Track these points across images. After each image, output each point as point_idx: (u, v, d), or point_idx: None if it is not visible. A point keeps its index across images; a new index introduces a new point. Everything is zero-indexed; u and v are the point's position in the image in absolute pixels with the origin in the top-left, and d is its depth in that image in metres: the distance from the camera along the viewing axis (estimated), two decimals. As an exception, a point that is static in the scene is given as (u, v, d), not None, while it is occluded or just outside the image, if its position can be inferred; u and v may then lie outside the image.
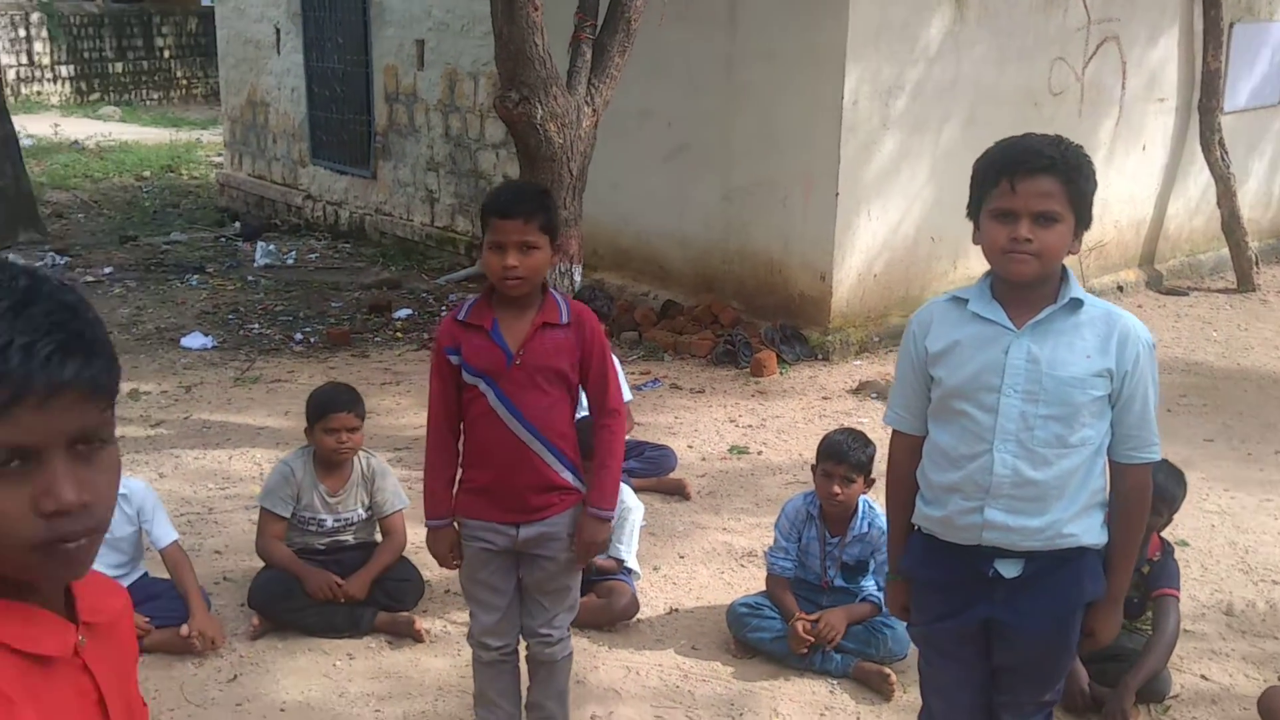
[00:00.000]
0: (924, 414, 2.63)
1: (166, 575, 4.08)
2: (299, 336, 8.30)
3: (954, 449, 2.54)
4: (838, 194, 7.32)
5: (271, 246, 11.27)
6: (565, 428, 3.11)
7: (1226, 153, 9.42)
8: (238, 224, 12.71)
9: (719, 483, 5.63)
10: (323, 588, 4.09)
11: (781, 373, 7.30)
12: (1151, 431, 2.54)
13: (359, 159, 11.84)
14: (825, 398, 6.88)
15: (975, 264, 7.93)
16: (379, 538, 4.36)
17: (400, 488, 4.40)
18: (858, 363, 7.50)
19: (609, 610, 4.20)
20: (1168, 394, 6.31)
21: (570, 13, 5.93)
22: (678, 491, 5.43)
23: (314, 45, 12.14)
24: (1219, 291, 9.59)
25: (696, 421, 6.47)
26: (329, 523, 4.25)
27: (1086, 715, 3.68)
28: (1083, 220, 2.45)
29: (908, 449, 2.68)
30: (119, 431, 1.24)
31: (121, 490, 1.37)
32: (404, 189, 11.29)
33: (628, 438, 5.21)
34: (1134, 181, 9.22)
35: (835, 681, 3.89)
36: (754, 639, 4.02)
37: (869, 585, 4.05)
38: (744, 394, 6.97)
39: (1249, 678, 3.95)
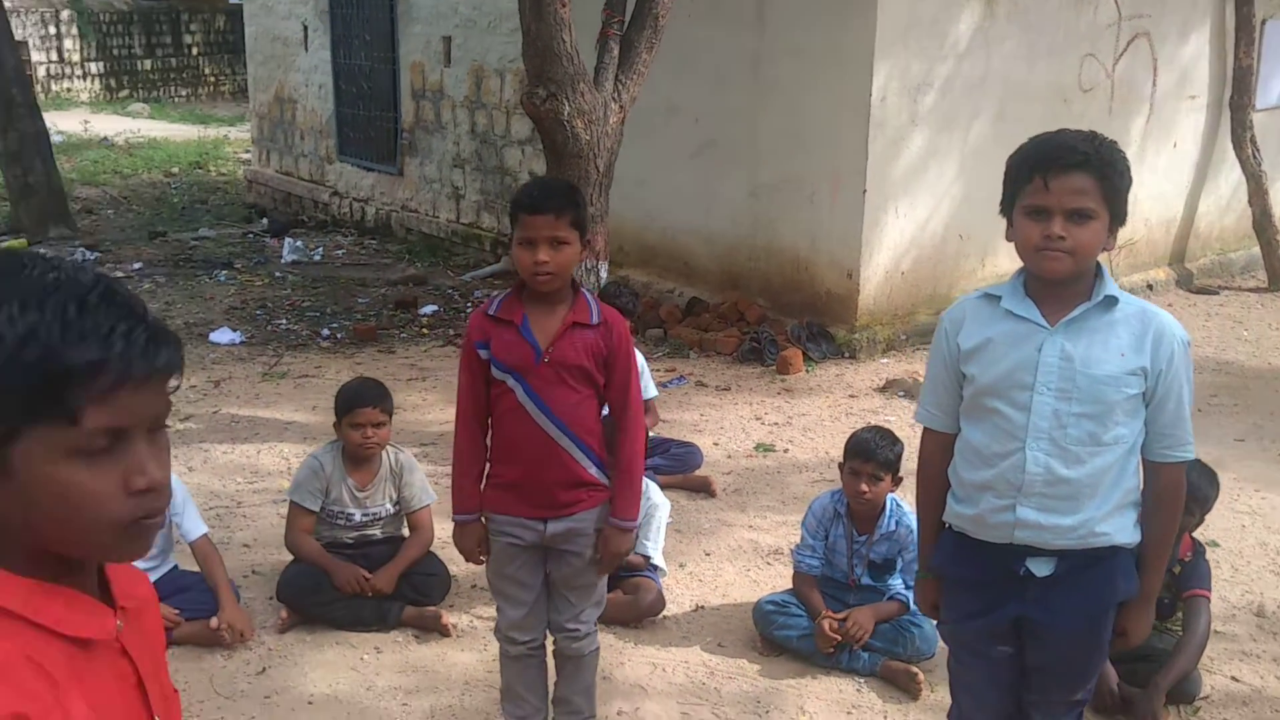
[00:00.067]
0: (955, 412, 2.62)
1: (196, 568, 4.11)
2: (326, 332, 8.34)
3: (986, 447, 2.53)
4: (865, 191, 7.30)
5: (299, 243, 11.34)
6: (593, 424, 3.11)
7: (1258, 150, 9.33)
8: (265, 220, 12.78)
9: (745, 480, 5.62)
10: (350, 581, 4.11)
11: (808, 370, 7.28)
12: (1186, 430, 2.52)
13: (385, 155, 11.88)
14: (852, 396, 6.86)
15: (1004, 262, 7.89)
16: (406, 532, 4.38)
17: (427, 483, 4.41)
18: (885, 361, 7.47)
19: (635, 607, 4.20)
20: (1198, 394, 6.24)
21: (598, 9, 5.93)
22: (703, 489, 5.43)
23: (341, 42, 12.20)
24: (1250, 290, 9.51)
25: (722, 419, 6.46)
26: (357, 517, 4.27)
27: (1116, 715, 3.65)
28: (1117, 216, 2.43)
29: (939, 447, 2.67)
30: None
31: None
32: (430, 185, 11.33)
33: (652, 434, 5.24)
34: (1164, 179, 9.14)
35: (862, 680, 3.88)
36: (780, 637, 4.01)
37: (896, 584, 4.04)
38: (770, 391, 6.96)
39: (1280, 680, 3.91)
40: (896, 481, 3.98)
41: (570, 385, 3.03)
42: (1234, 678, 3.92)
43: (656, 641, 4.12)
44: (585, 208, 3.18)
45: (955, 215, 7.80)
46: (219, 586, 4.02)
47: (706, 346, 7.73)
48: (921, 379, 6.62)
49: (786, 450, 6.03)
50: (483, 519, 3.19)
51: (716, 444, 6.06)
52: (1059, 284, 2.45)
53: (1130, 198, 2.47)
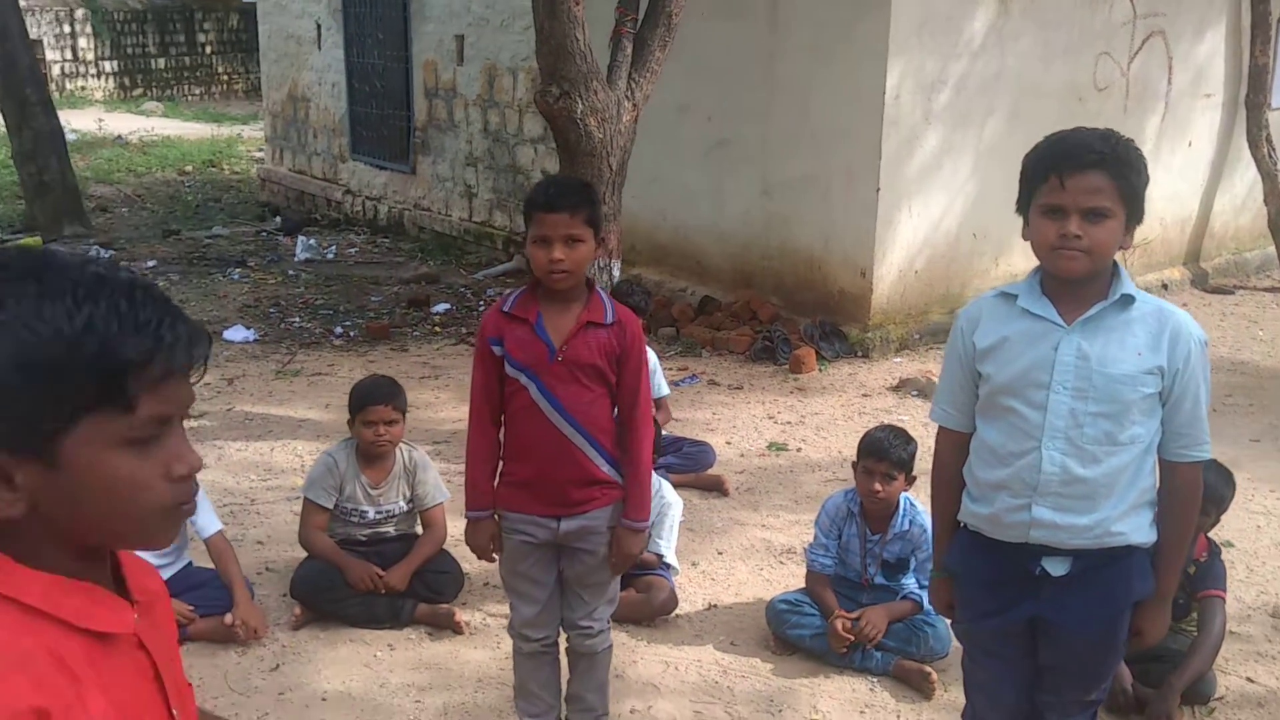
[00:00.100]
0: (971, 410, 2.61)
1: (211, 565, 4.12)
2: (339, 330, 8.36)
3: (1002, 446, 2.52)
4: (879, 189, 7.28)
5: (312, 241, 11.36)
6: (607, 422, 3.10)
7: (1274, 149, 9.29)
8: (278, 219, 12.81)
9: (758, 479, 5.61)
10: (364, 578, 4.12)
11: (821, 370, 7.27)
12: (1202, 429, 2.51)
13: (398, 154, 11.90)
14: (865, 395, 6.85)
15: (1018, 261, 7.87)
16: (419, 530, 4.39)
17: (441, 481, 4.41)
18: (898, 360, 7.46)
19: (648, 605, 4.20)
20: (1213, 394, 6.22)
21: (611, 7, 5.94)
22: (716, 488, 5.42)
23: (354, 41, 12.22)
24: (1265, 290, 9.46)
25: (735, 418, 6.45)
26: (371, 514, 4.28)
27: (1130, 716, 3.64)
28: (1134, 215, 2.42)
29: (954, 446, 2.66)
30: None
31: None
32: (442, 184, 11.34)
33: (665, 433, 5.24)
34: (1179, 178, 9.11)
35: (875, 679, 3.87)
36: (793, 636, 4.01)
37: (909, 583, 4.03)
38: (783, 390, 6.95)
39: (1296, 681, 3.89)
40: (910, 481, 3.97)
41: (584, 384, 3.02)
42: (1249, 678, 3.90)
43: (669, 640, 4.12)
44: (600, 205, 3.19)
45: (969, 214, 7.78)
46: (233, 583, 4.03)
47: (719, 345, 7.72)
48: (935, 378, 6.65)
49: (799, 449, 6.02)
50: (495, 516, 3.19)
51: (729, 443, 6.06)
52: (1076, 283, 2.44)
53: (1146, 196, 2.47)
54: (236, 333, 8.10)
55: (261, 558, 4.68)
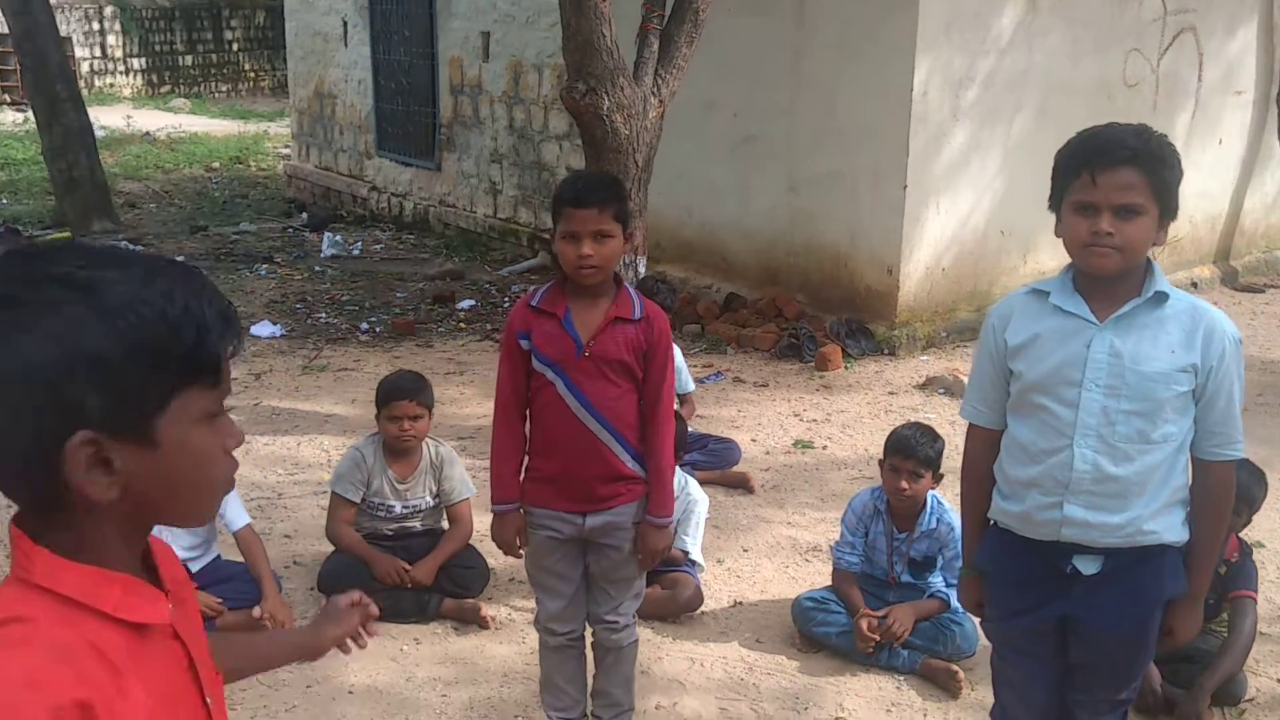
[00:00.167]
0: (1002, 408, 2.60)
1: (239, 558, 4.15)
2: (365, 326, 8.39)
3: (1033, 444, 2.51)
4: (906, 186, 7.25)
5: (338, 237, 11.41)
6: (633, 418, 3.10)
7: (1306, 147, 9.20)
8: (305, 215, 12.88)
9: (783, 477, 5.60)
10: (391, 573, 4.14)
11: (847, 367, 7.25)
12: (1236, 428, 2.49)
13: (424, 151, 11.93)
14: (891, 393, 6.82)
15: (1046, 258, 7.83)
16: (445, 525, 4.40)
17: (467, 476, 4.43)
18: (925, 358, 7.43)
19: (673, 602, 4.20)
20: (1244, 393, 6.17)
21: (637, 3, 5.93)
22: (741, 485, 5.41)
23: (381, 38, 12.26)
24: (1296, 289, 9.38)
25: (760, 415, 6.44)
26: (397, 509, 4.29)
27: (1159, 716, 3.61)
28: (1167, 211, 2.40)
29: (985, 443, 2.65)
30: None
31: None
32: (468, 181, 11.36)
33: (691, 430, 5.23)
34: (1210, 176, 9.03)
35: (902, 678, 3.86)
36: (819, 633, 4.00)
37: (937, 581, 4.01)
38: (808, 388, 6.93)
39: (1329, 683, 3.85)
40: (937, 479, 3.95)
41: (611, 379, 3.02)
42: (1280, 680, 3.87)
43: (695, 637, 4.12)
44: (628, 201, 3.18)
45: (997, 211, 7.73)
46: (262, 577, 4.06)
47: (744, 343, 7.71)
48: (962, 376, 6.62)
49: (825, 447, 6.00)
50: (521, 510, 3.19)
51: (754, 440, 6.05)
52: (1108, 280, 2.42)
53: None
54: (263, 328, 8.14)
55: (289, 551, 4.70)
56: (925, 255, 7.51)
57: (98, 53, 25.97)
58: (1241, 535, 3.75)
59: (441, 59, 11.34)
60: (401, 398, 4.20)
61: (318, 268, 10.37)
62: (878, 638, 3.83)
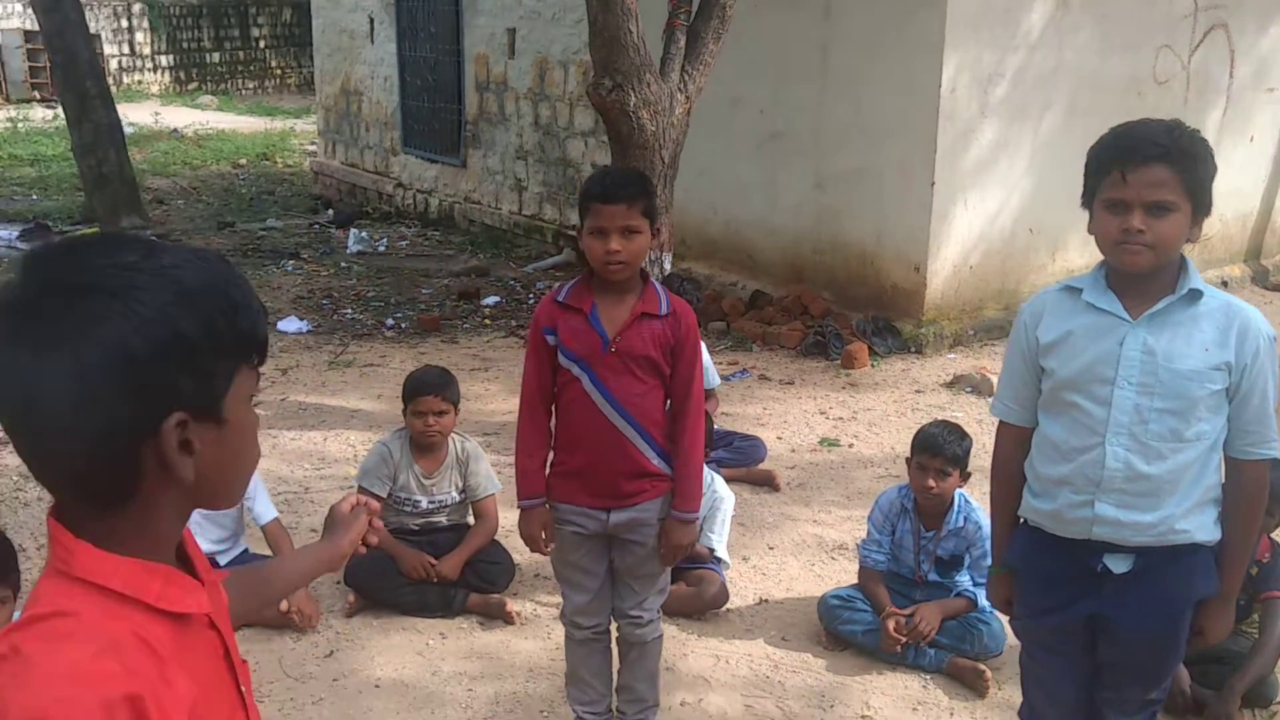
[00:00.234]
0: (1033, 405, 2.58)
1: (266, 551, 4.17)
2: (390, 322, 8.42)
3: (1065, 441, 2.49)
4: (933, 184, 7.21)
5: (363, 233, 11.46)
6: (658, 415, 3.09)
7: (1339, 144, 9.09)
8: (331, 211, 12.95)
9: (809, 474, 5.58)
10: (417, 567, 4.15)
11: (873, 365, 7.22)
12: (1270, 427, 2.46)
13: (449, 147, 11.96)
14: (918, 391, 6.79)
15: (1074, 256, 7.78)
16: (471, 521, 4.41)
17: (493, 472, 4.43)
18: (952, 356, 7.39)
19: (699, 599, 4.19)
20: (1275, 392, 6.12)
21: (664, 0, 5.91)
22: (767, 482, 5.40)
23: (407, 34, 12.30)
24: (1328, 288, 9.28)
25: (786, 413, 6.43)
26: (423, 504, 4.31)
27: (1188, 717, 3.58)
28: (1200, 208, 2.37)
29: (1016, 441, 2.63)
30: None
31: None
32: (493, 177, 11.39)
33: (717, 427, 5.22)
34: (1241, 173, 8.94)
35: (928, 676, 3.84)
36: (845, 631, 3.98)
37: (964, 580, 3.99)
38: (834, 386, 6.91)
39: (1362, 686, 3.80)
40: (965, 477, 3.93)
41: (637, 375, 3.01)
42: (1312, 683, 3.82)
43: (720, 634, 4.11)
44: (655, 197, 3.17)
45: (1025, 209, 7.68)
46: (289, 570, 4.07)
47: (770, 340, 7.69)
48: (990, 374, 6.59)
49: (851, 445, 5.98)
50: (547, 505, 3.19)
51: (780, 438, 6.03)
52: (1141, 277, 2.40)
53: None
54: (290, 324, 8.19)
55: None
56: (953, 253, 7.47)
57: (126, 50, 26.18)
58: (1274, 536, 3.71)
59: (467, 56, 11.37)
60: (427, 393, 4.21)
61: (344, 264, 10.42)
62: (905, 638, 3.82)
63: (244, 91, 27.69)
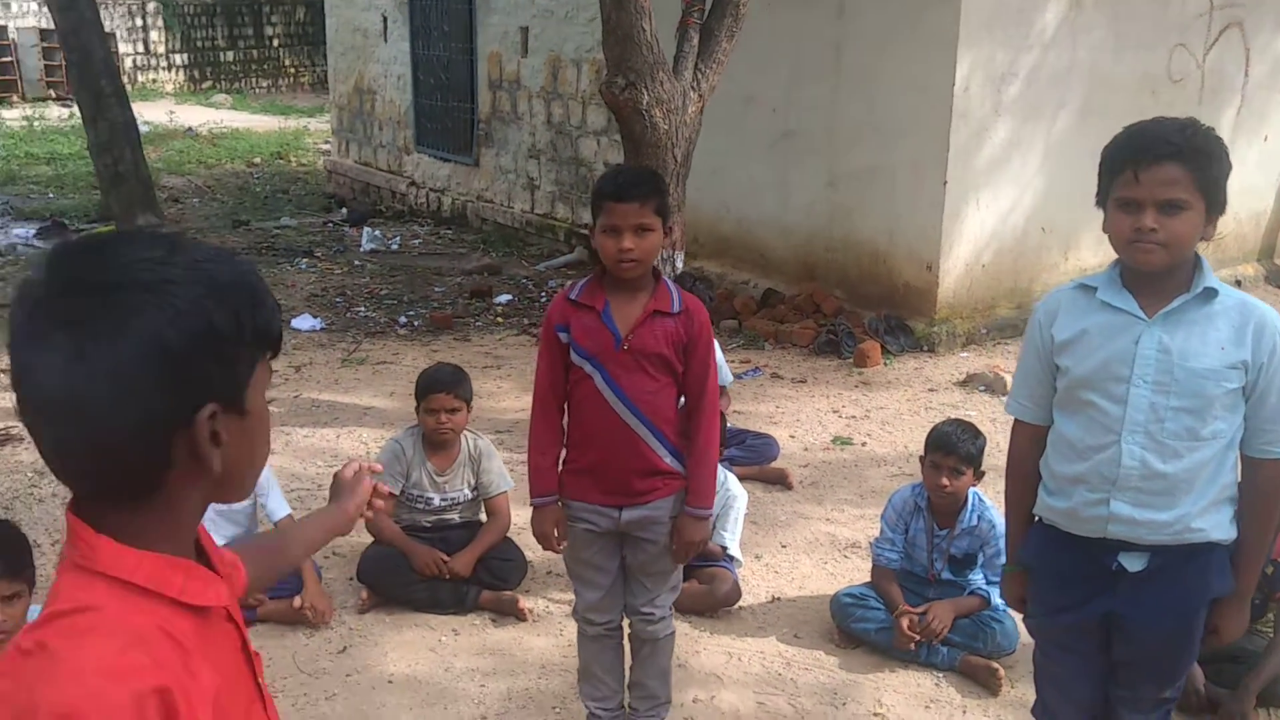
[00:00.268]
0: (1048, 404, 2.58)
1: (280, 548, 4.18)
2: (403, 320, 8.44)
3: (1080, 440, 2.48)
4: (946, 182, 7.20)
5: (377, 232, 11.49)
6: (671, 413, 3.09)
7: (1355, 143, 9.04)
8: (344, 210, 12.98)
9: (821, 473, 5.58)
10: (429, 564, 4.16)
11: (886, 364, 7.21)
12: (1286, 426, 2.45)
13: (462, 146, 11.98)
14: (931, 389, 6.78)
15: (1087, 255, 7.76)
16: (484, 518, 4.42)
17: (505, 469, 4.44)
18: (964, 355, 7.38)
19: (711, 596, 4.20)
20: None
21: (678, -2, 5.92)
22: (780, 481, 5.40)
23: (420, 33, 12.32)
24: (1343, 287, 9.23)
25: (798, 411, 6.42)
26: (436, 501, 4.32)
27: (1203, 716, 3.57)
28: (1215, 205, 2.37)
29: (1031, 439, 2.63)
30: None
31: None
32: (505, 176, 11.40)
33: (729, 425, 5.22)
34: (1255, 172, 8.90)
35: (941, 674, 3.84)
36: (858, 629, 3.98)
37: (977, 579, 3.98)
38: (847, 384, 6.90)
39: (1377, 687, 3.79)
40: (979, 476, 3.92)
41: (649, 373, 3.02)
42: (1327, 683, 3.80)
43: (732, 631, 4.11)
44: (668, 195, 3.17)
45: (1038, 207, 7.66)
46: (302, 567, 4.09)
47: (782, 338, 7.69)
48: (1002, 373, 6.58)
49: (864, 444, 5.98)
50: (560, 503, 3.19)
51: (793, 436, 6.03)
52: (1156, 275, 2.40)
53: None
54: (304, 321, 8.21)
55: (329, 542, 4.73)
56: (965, 251, 7.46)
57: (141, 48, 26.28)
58: (1289, 535, 3.70)
59: (480, 54, 11.38)
60: (439, 390, 4.22)
61: (357, 262, 10.45)
62: (918, 636, 3.81)
63: (258, 90, 27.77)
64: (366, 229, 11.60)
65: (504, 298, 9.06)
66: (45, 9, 17.32)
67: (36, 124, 20.04)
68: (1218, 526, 2.47)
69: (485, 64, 11.35)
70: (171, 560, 1.18)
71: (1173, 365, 2.38)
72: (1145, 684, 2.64)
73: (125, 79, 16.66)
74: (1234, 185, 2.42)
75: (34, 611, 2.90)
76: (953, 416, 4.60)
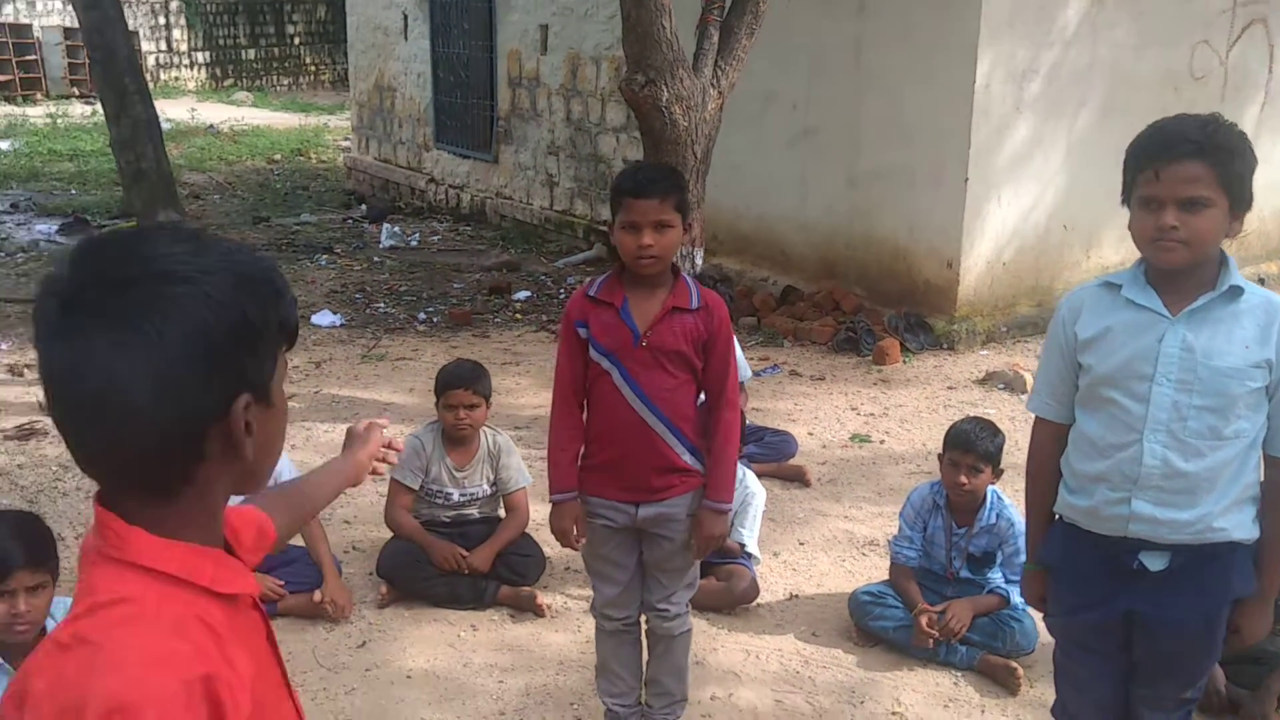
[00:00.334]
0: (1070, 401, 2.56)
1: (300, 543, 4.20)
2: (422, 316, 8.47)
3: (1102, 438, 2.47)
4: (967, 180, 7.17)
5: (396, 228, 11.52)
6: (689, 410, 3.09)
7: (1380, 141, 8.95)
8: (364, 206, 13.02)
9: (840, 470, 5.57)
10: (448, 558, 4.17)
11: (905, 361, 7.19)
12: (1311, 426, 2.43)
13: (481, 143, 12.01)
14: (950, 387, 6.76)
15: (1109, 253, 7.71)
16: (502, 514, 4.43)
17: (524, 465, 4.45)
18: (984, 353, 7.35)
19: (729, 593, 4.19)
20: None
21: (698, -5, 5.91)
22: (798, 478, 5.39)
23: (440, 31, 12.35)
24: (1369, 286, 9.15)
25: (817, 409, 6.41)
26: (455, 496, 4.33)
27: (1223, 717, 3.55)
28: (1239, 202, 2.35)
29: (1052, 437, 2.62)
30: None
31: None
32: (524, 173, 11.42)
33: (748, 422, 5.21)
34: (1279, 170, 8.82)
35: (960, 673, 3.82)
36: (876, 628, 3.97)
37: (996, 577, 3.97)
38: (866, 382, 6.89)
39: (1401, 688, 3.75)
40: (997, 474, 3.91)
41: (667, 370, 3.02)
42: (1350, 684, 3.77)
43: (750, 629, 4.11)
44: (687, 191, 3.17)
45: (1059, 205, 7.62)
46: (322, 561, 4.11)
47: (801, 336, 7.68)
48: (1023, 371, 6.55)
49: (883, 441, 5.96)
50: (579, 499, 3.19)
51: (811, 434, 6.02)
52: (1181, 273, 2.39)
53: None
54: (324, 318, 8.24)
55: (348, 537, 4.76)
56: (986, 249, 7.43)
57: (164, 46, 26.43)
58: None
59: (500, 52, 11.40)
60: (458, 386, 4.23)
61: (376, 258, 10.48)
62: (936, 633, 3.80)
63: (279, 88, 27.90)
64: (386, 225, 11.64)
65: (523, 294, 9.08)
66: (70, 7, 17.45)
67: (60, 121, 20.18)
68: (1240, 526, 2.45)
69: (505, 61, 11.36)
70: (202, 550, 1.19)
71: (1196, 364, 2.37)
72: (1166, 684, 2.63)
73: (148, 77, 16.77)
74: (1258, 182, 2.41)
75: (58, 604, 2.93)
76: (972, 414, 4.59)
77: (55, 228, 11.38)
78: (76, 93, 23.70)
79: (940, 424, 5.43)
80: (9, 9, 24.40)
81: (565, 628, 4.10)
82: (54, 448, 5.54)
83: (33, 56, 23.81)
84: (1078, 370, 2.52)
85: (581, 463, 3.17)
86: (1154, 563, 2.47)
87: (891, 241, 7.74)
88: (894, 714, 3.62)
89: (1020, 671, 3.72)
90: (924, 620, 3.80)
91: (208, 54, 27.22)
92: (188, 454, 1.15)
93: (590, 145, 10.49)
